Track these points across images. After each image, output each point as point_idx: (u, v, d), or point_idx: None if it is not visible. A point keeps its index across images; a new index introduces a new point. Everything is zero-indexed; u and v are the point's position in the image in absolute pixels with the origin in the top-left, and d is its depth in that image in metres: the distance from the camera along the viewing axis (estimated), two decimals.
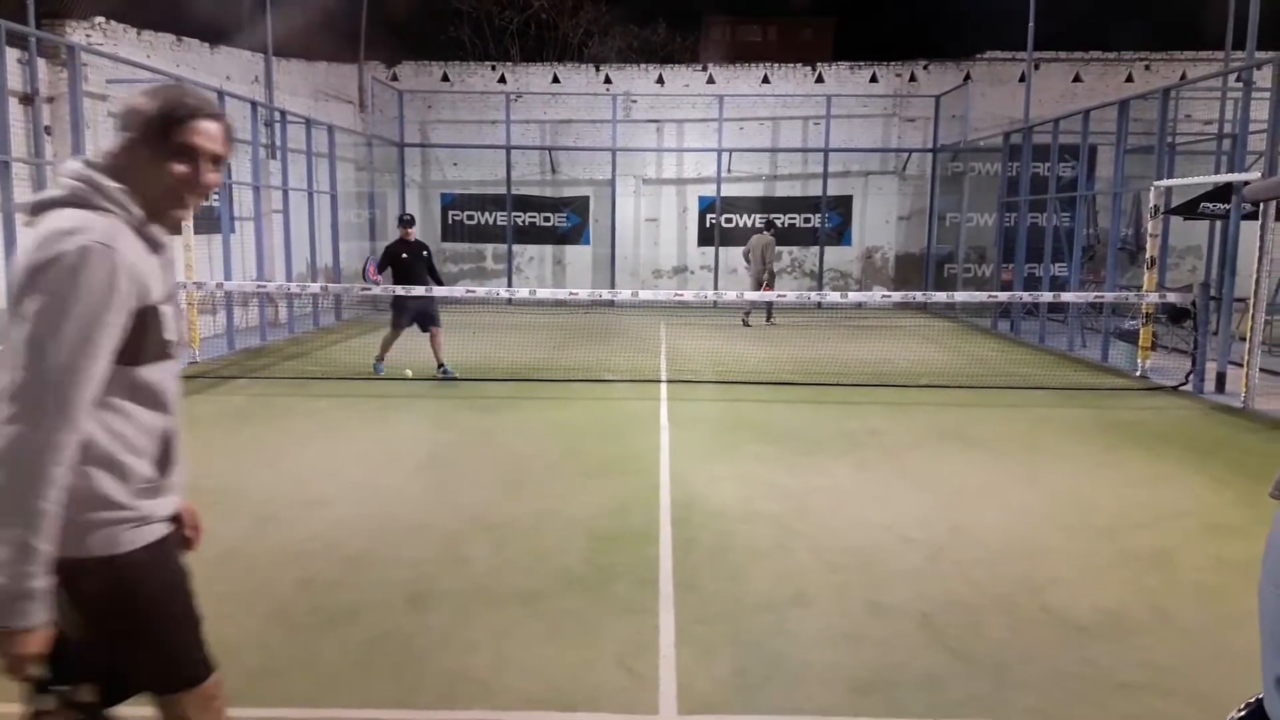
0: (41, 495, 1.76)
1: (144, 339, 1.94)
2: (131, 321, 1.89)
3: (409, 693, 3.48)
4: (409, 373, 8.65)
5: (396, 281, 10.30)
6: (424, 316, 10.37)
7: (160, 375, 2.02)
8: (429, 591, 4.44)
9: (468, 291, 10.49)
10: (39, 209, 1.92)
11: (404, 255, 10.46)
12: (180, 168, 1.98)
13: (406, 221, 10.71)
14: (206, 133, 2.01)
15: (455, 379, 10.18)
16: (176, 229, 2.09)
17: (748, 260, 16.65)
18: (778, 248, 17.42)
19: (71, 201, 1.90)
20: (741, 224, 20.54)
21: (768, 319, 16.87)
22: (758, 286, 16.06)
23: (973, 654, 3.86)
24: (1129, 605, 4.38)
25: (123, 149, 1.98)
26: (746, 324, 16.32)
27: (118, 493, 1.94)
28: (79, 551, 1.90)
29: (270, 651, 3.82)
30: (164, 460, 2.06)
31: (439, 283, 10.90)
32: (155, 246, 2.02)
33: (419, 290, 10.19)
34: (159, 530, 2.04)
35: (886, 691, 3.56)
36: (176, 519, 2.16)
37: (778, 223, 20.32)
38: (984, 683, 3.63)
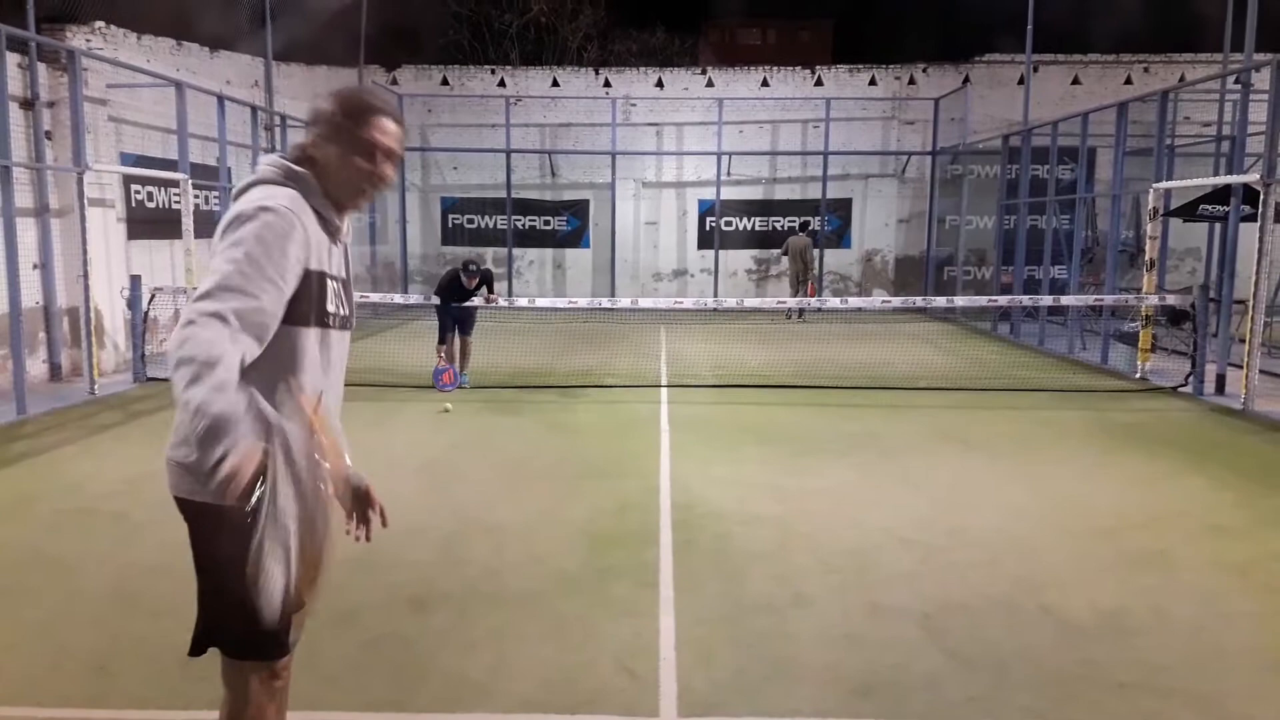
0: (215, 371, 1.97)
1: (309, 302, 2.18)
2: (300, 282, 2.14)
3: (408, 694, 3.49)
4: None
5: (443, 303, 10.14)
6: (463, 323, 10.32)
7: (321, 342, 2.25)
8: (429, 593, 4.45)
9: (468, 302, 10.45)
10: (241, 190, 2.23)
11: (455, 297, 10.11)
12: (362, 162, 2.22)
13: (471, 273, 10.11)
14: (386, 131, 2.24)
15: (466, 386, 10.19)
16: (359, 209, 2.38)
17: (787, 259, 18.03)
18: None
19: (264, 180, 2.21)
20: (741, 227, 20.56)
21: (800, 315, 17.65)
22: (796, 285, 17.71)
23: (971, 655, 3.86)
24: (1128, 606, 4.38)
25: (312, 143, 2.25)
26: (798, 319, 17.50)
27: None
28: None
29: None
30: None
31: (491, 290, 10.56)
32: (332, 229, 2.28)
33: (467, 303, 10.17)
34: None
35: (886, 693, 3.56)
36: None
37: (777, 226, 20.39)
38: (983, 683, 3.63)
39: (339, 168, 2.23)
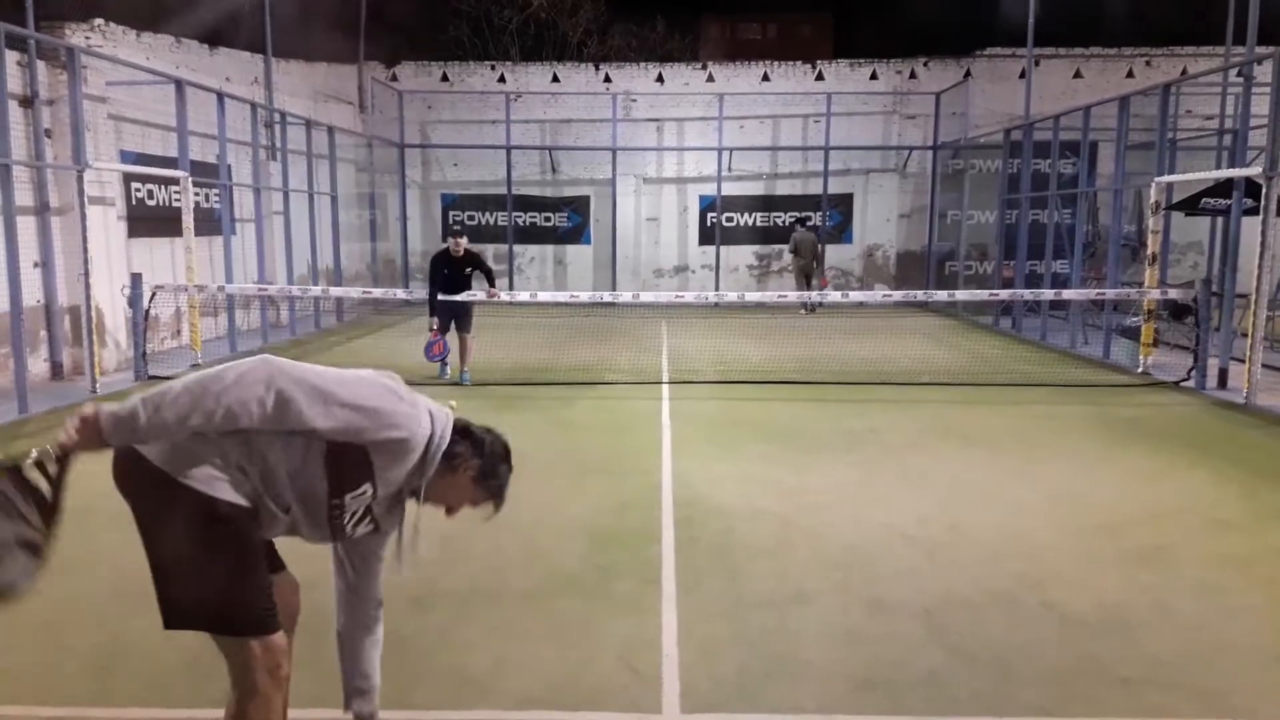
0: None
1: None
2: None
3: (408, 692, 3.48)
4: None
5: (443, 290, 10.14)
6: (460, 320, 10.32)
7: None
8: (428, 591, 4.44)
9: (469, 295, 10.48)
10: None
11: (445, 271, 10.26)
12: None
13: (456, 232, 10.48)
14: None
15: (467, 384, 10.19)
16: None
17: (796, 255, 18.26)
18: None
19: None
20: (743, 223, 20.54)
21: (813, 309, 17.80)
22: (805, 278, 18.01)
23: (973, 651, 3.85)
24: (1130, 601, 4.37)
25: None
26: (811, 312, 17.74)
27: None
28: None
29: None
30: None
31: (491, 283, 10.75)
32: None
33: (459, 296, 10.20)
34: None
35: (888, 689, 3.55)
36: None
37: (778, 221, 20.39)
38: (985, 679, 3.62)
39: None
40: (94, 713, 3.38)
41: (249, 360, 2.38)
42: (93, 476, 6.89)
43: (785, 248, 19.73)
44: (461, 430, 2.61)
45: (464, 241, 10.45)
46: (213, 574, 2.39)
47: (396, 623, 4.08)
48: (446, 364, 10.42)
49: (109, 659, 3.77)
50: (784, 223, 20.23)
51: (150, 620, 4.09)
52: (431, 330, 10.14)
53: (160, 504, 2.40)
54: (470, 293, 10.40)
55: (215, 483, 2.34)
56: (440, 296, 10.12)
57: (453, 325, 10.33)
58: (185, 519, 2.35)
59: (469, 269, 10.44)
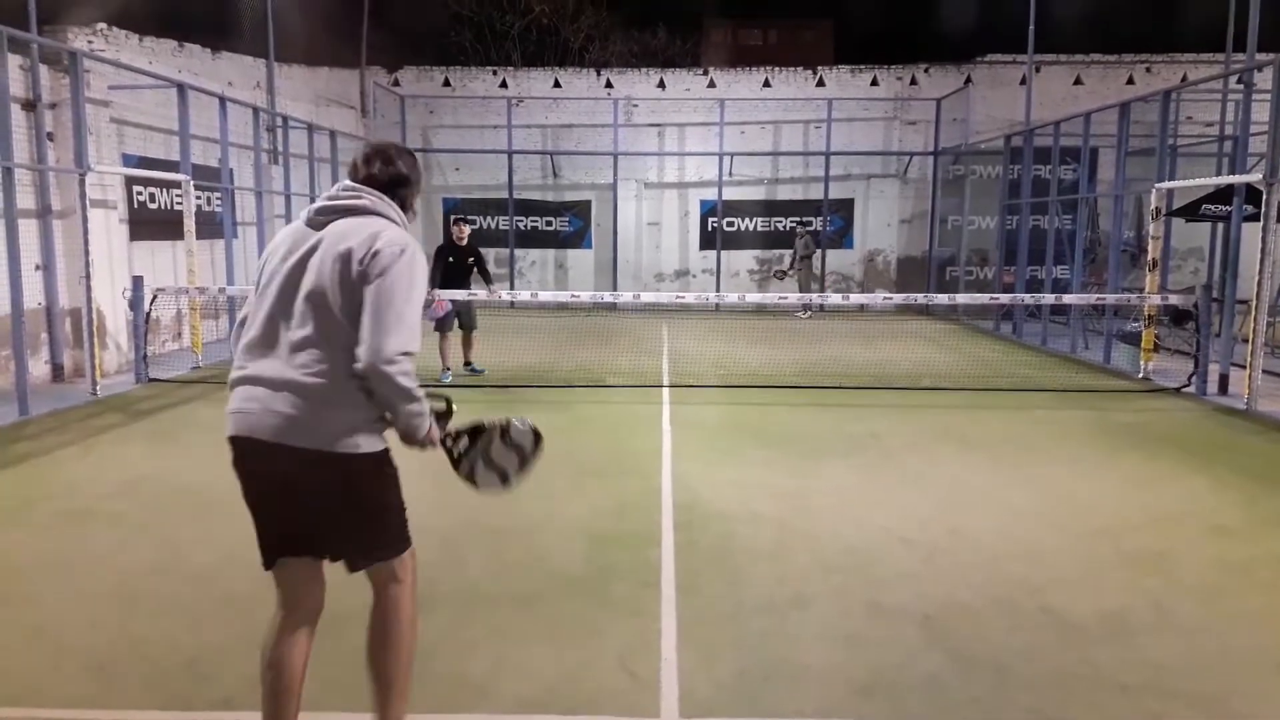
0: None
1: None
2: None
3: None
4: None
5: (442, 285, 10.13)
6: (463, 316, 10.43)
7: None
8: (428, 594, 4.42)
9: (470, 294, 10.52)
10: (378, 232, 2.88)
11: (450, 260, 10.40)
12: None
13: (460, 219, 10.81)
14: None
15: (481, 372, 10.47)
16: None
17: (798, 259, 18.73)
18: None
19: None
20: (744, 228, 20.56)
21: (808, 312, 18.24)
22: (809, 282, 18.49)
23: (973, 655, 3.85)
24: (1130, 606, 4.37)
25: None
26: (810, 315, 18.07)
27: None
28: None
29: None
30: None
31: (489, 282, 10.96)
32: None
33: (461, 294, 10.28)
34: None
35: (887, 693, 3.55)
36: None
37: (778, 226, 20.42)
38: (984, 684, 3.62)
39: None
40: (92, 714, 3.38)
41: None
42: (93, 480, 6.92)
43: (787, 253, 19.80)
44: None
45: (468, 230, 10.73)
46: (399, 508, 2.96)
47: None
48: (449, 369, 10.43)
49: (107, 660, 3.77)
50: (785, 228, 20.25)
51: (150, 621, 4.10)
52: (435, 299, 9.95)
53: (368, 475, 2.82)
54: (470, 292, 10.50)
55: (380, 439, 2.85)
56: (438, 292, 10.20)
57: (456, 323, 10.38)
58: (381, 476, 2.87)
59: (471, 259, 10.65)
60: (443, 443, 3.05)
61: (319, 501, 2.75)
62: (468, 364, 10.63)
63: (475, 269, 10.66)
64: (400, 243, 2.75)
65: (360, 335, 2.62)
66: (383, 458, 2.86)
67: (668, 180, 20.68)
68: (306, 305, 2.69)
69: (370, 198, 2.87)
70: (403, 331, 2.63)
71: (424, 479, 6.45)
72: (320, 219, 2.84)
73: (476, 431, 3.17)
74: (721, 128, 19.63)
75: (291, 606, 2.89)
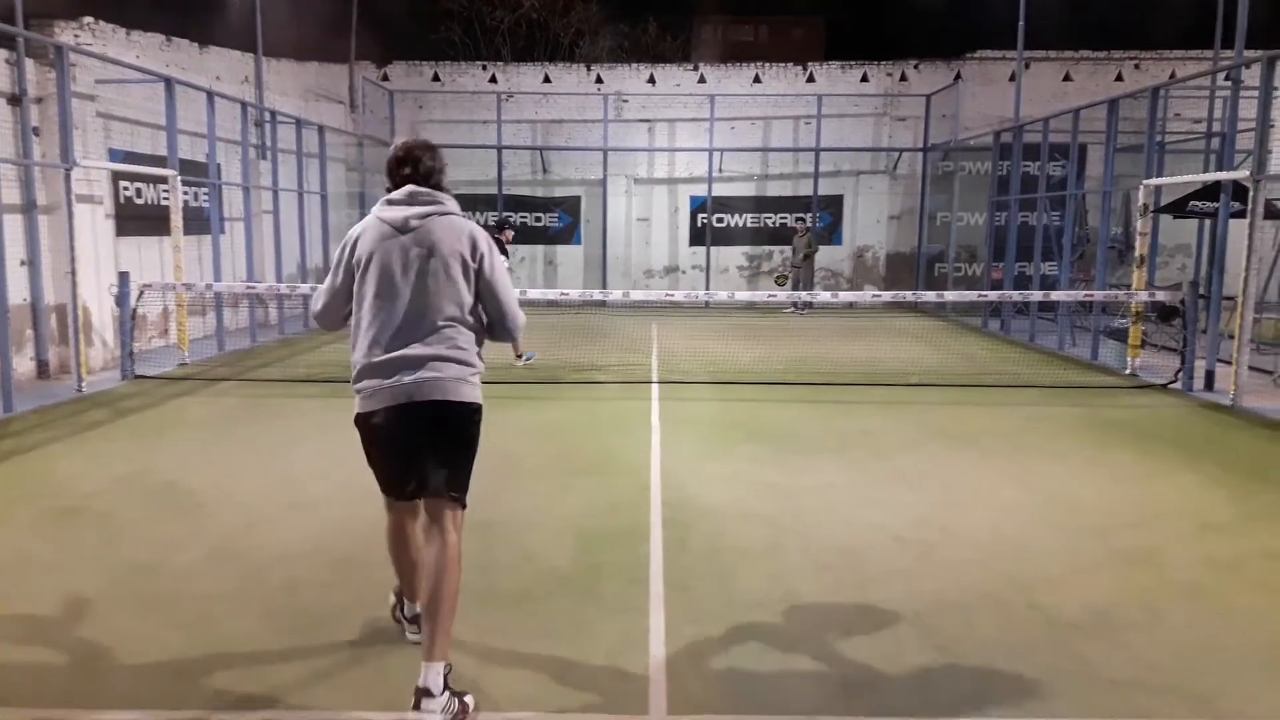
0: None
1: None
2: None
3: (397, 693, 3.46)
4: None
5: None
6: None
7: None
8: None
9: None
10: (449, 213, 3.58)
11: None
12: None
13: (504, 224, 12.72)
14: None
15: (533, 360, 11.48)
16: None
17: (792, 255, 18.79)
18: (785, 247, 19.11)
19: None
20: (733, 224, 20.56)
21: (798, 309, 18.20)
22: (799, 280, 18.34)
23: (963, 652, 3.86)
24: (1119, 603, 4.38)
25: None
26: (802, 312, 18.05)
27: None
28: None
29: (258, 653, 3.80)
30: None
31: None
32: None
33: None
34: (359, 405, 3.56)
35: (877, 690, 3.55)
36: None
37: (768, 222, 20.43)
38: (973, 681, 3.63)
39: None
40: (79, 714, 3.36)
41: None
42: (79, 477, 6.87)
43: (776, 249, 19.83)
44: None
45: (510, 234, 12.29)
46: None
47: (384, 624, 4.07)
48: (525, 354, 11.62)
49: (96, 659, 3.74)
50: (774, 224, 20.26)
51: (139, 619, 4.08)
52: None
53: (473, 425, 3.56)
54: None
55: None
56: None
57: None
58: (477, 426, 3.59)
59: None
60: None
61: (458, 440, 3.55)
62: (520, 355, 11.60)
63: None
64: (483, 235, 3.57)
65: (494, 313, 3.59)
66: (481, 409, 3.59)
67: (658, 176, 20.66)
68: (442, 287, 3.44)
69: (442, 200, 3.55)
70: (514, 301, 3.66)
71: None
72: (419, 220, 3.48)
73: None
74: (712, 124, 19.62)
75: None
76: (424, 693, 3.27)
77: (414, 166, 3.53)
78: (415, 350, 3.40)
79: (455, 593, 3.46)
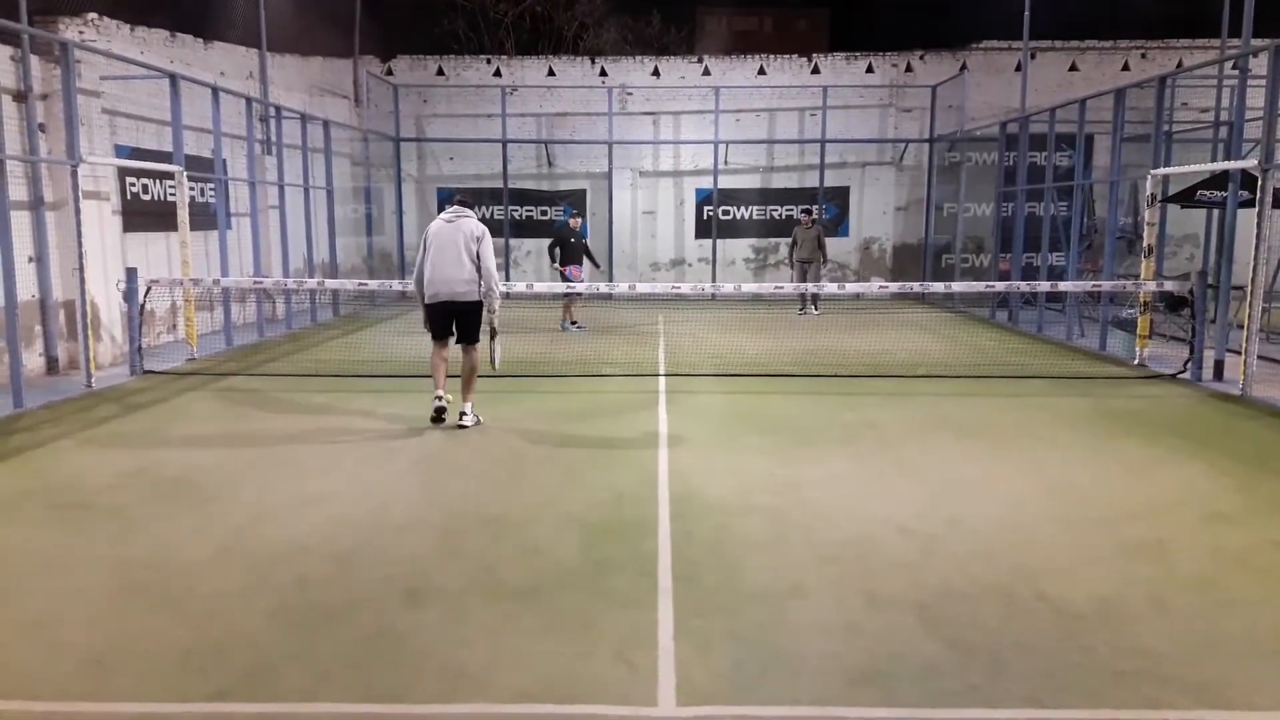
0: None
1: None
2: None
3: (405, 688, 3.48)
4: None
5: (562, 262, 14.31)
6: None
7: None
8: (424, 587, 4.44)
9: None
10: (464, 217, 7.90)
11: (572, 240, 14.37)
12: None
13: (573, 214, 15.72)
14: None
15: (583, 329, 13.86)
16: None
17: (793, 248, 17.57)
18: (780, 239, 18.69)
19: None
20: (739, 216, 20.52)
21: (812, 305, 17.09)
22: (805, 274, 17.11)
23: (969, 644, 3.86)
24: (1126, 594, 4.38)
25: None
26: (810, 311, 16.85)
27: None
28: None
29: (265, 647, 3.82)
30: None
31: (595, 265, 15.15)
32: None
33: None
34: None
35: (883, 682, 3.56)
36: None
37: (774, 215, 20.38)
38: (980, 673, 3.63)
39: None
40: (88, 708, 3.38)
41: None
42: (88, 472, 6.89)
43: (779, 241, 19.71)
44: None
45: (577, 222, 14.59)
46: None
47: (392, 618, 4.09)
48: (575, 323, 14.35)
49: (105, 653, 3.77)
50: (780, 216, 20.22)
51: (146, 614, 4.10)
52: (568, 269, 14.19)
53: (476, 312, 7.79)
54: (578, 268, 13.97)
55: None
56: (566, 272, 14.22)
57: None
58: (479, 314, 7.82)
59: (573, 239, 14.43)
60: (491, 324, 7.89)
61: (468, 319, 7.77)
62: (574, 322, 14.29)
63: (584, 252, 14.53)
64: (484, 229, 7.73)
65: (481, 263, 7.60)
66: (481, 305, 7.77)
67: (663, 169, 20.63)
68: (461, 251, 7.60)
69: (467, 213, 7.83)
70: (493, 261, 7.67)
71: (421, 474, 6.47)
72: (454, 221, 7.70)
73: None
74: (717, 115, 19.59)
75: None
76: (461, 414, 7.67)
77: (458, 203, 7.89)
78: (451, 275, 7.58)
79: (475, 370, 7.79)
